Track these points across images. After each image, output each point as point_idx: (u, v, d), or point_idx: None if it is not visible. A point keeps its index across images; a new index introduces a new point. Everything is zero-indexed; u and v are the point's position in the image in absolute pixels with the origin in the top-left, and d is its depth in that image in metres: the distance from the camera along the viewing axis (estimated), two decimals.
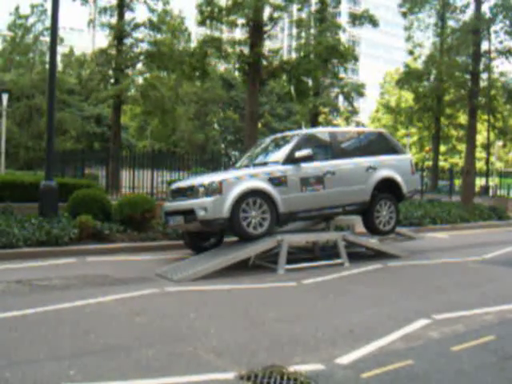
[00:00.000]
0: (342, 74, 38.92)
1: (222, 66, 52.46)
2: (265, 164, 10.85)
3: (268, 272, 9.66)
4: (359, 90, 40.64)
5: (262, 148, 12.23)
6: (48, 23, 49.18)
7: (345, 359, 4.95)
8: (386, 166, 11.75)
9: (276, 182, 10.18)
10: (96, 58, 31.87)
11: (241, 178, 9.97)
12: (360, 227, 12.15)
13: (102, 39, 32.32)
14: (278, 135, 12.60)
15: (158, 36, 31.00)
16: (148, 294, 7.67)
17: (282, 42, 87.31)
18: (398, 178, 11.82)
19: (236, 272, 9.35)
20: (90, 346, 5.28)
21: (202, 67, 24.01)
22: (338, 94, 42.36)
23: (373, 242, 11.74)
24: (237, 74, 39.37)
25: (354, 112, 44.08)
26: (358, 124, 50.97)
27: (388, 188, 11.78)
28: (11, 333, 5.71)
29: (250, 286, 8.40)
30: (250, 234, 9.87)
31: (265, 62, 23.85)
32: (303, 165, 10.56)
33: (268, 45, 26.17)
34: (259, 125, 28.44)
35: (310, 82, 31.73)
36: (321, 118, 41.68)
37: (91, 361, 4.84)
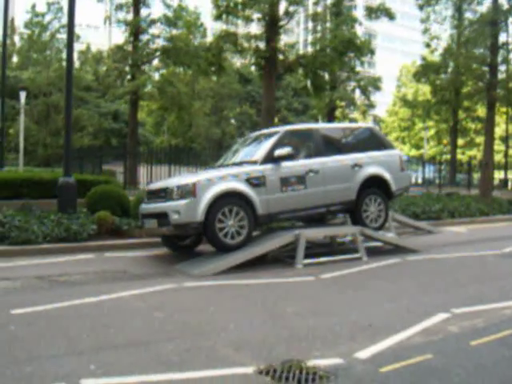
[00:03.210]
0: (358, 68, 38.79)
1: (237, 61, 52.49)
2: (243, 163, 10.37)
3: (286, 266, 9.66)
4: (376, 83, 40.49)
5: (243, 146, 11.75)
6: (64, 20, 49.39)
7: (364, 353, 4.94)
8: (374, 163, 11.29)
9: (254, 182, 9.76)
10: (112, 55, 32.00)
11: (217, 179, 9.56)
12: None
13: (118, 36, 32.45)
14: (261, 132, 12.01)
15: (174, 31, 30.99)
16: (167, 289, 7.71)
17: (297, 37, 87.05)
18: (387, 176, 11.36)
19: (254, 267, 9.36)
20: (110, 341, 5.32)
21: (218, 62, 24.03)
22: (354, 87, 42.23)
23: (391, 236, 11.72)
24: (253, 68, 39.37)
25: (371, 106, 43.86)
26: (374, 118, 50.73)
27: (376, 186, 11.34)
28: (32, 328, 5.77)
29: (269, 281, 8.41)
30: (226, 244, 9.47)
31: (281, 57, 23.81)
32: (284, 163, 10.14)
33: (284, 39, 26.12)
34: (275, 119, 28.41)
35: (327, 76, 31.65)
36: (337, 112, 41.61)
37: (111, 355, 4.88)
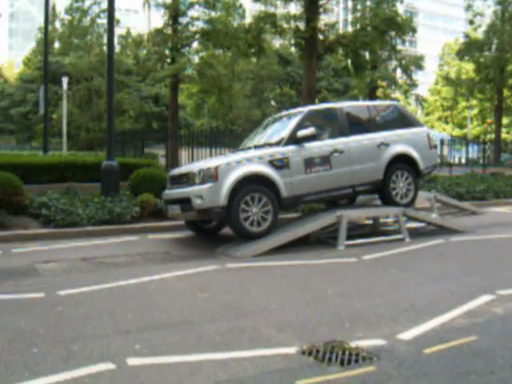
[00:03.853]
0: (399, 47, 38.17)
1: (277, 42, 52.19)
2: (266, 145, 10.25)
3: (328, 248, 9.65)
4: (418, 62, 39.86)
5: (266, 128, 11.57)
6: (104, 5, 49.74)
7: (407, 335, 4.92)
8: (400, 141, 10.97)
9: (277, 164, 9.59)
10: (152, 38, 32.09)
11: (239, 162, 9.43)
12: (420, 202, 11.97)
13: (158, 19, 32.50)
14: (284, 113, 11.80)
15: (213, 14, 30.95)
16: (210, 271, 7.79)
17: (337, 16, 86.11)
18: (414, 154, 11.02)
19: (296, 248, 9.36)
20: (155, 321, 5.40)
21: (257, 44, 23.97)
22: (395, 66, 41.65)
23: (434, 216, 11.59)
24: (293, 49, 39.12)
25: (413, 85, 43.22)
26: (416, 97, 49.92)
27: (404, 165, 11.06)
28: (78, 308, 5.89)
29: (311, 262, 8.41)
30: (251, 232, 9.34)
31: (321, 37, 23.64)
32: (307, 144, 9.94)
33: (324, 19, 25.85)
34: (316, 100, 28.25)
35: (367, 56, 31.26)
36: (379, 92, 41.11)
37: (156, 335, 4.96)
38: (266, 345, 4.70)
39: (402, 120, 11.44)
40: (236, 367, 4.20)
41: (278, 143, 10.02)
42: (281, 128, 10.63)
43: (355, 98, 53.47)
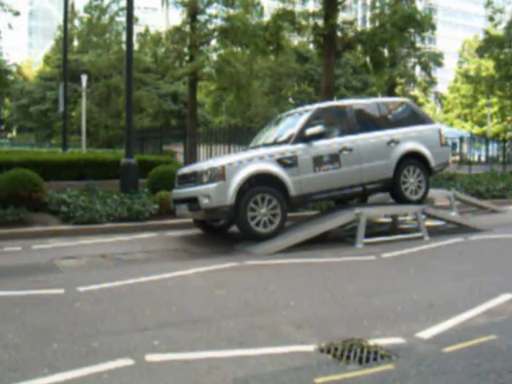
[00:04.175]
0: (418, 44, 37.95)
1: (295, 39, 52.08)
2: (274, 144, 10.18)
3: (346, 246, 9.62)
4: (437, 59, 39.62)
5: (275, 126, 11.44)
6: (123, 3, 49.99)
7: (426, 333, 4.89)
8: (411, 139, 10.80)
9: (285, 162, 9.47)
10: (171, 36, 32.19)
11: (247, 161, 9.32)
12: (440, 200, 11.90)
13: (176, 17, 32.61)
14: (291, 111, 11.65)
15: (231, 11, 30.99)
16: (228, 268, 7.80)
17: (356, 13, 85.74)
18: (425, 151, 10.80)
19: (314, 246, 9.34)
20: (173, 318, 5.43)
21: (275, 41, 23.94)
22: (414, 64, 41.44)
23: (453, 215, 11.52)
24: (311, 46, 39.04)
25: (432, 82, 42.96)
26: (436, 94, 49.60)
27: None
28: (97, 304, 5.93)
29: (329, 260, 8.40)
30: (257, 232, 9.21)
31: (339, 34, 23.55)
32: (316, 143, 9.81)
33: (342, 16, 25.77)
34: (334, 98, 28.18)
35: (386, 53, 31.10)
36: (397, 90, 40.90)
37: (174, 332, 4.98)
38: (284, 342, 4.70)
39: (413, 117, 11.28)
40: (254, 364, 4.21)
41: (286, 141, 9.93)
42: (289, 126, 10.52)
43: (374, 95, 53.29)
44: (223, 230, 10.97)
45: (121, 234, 10.63)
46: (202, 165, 9.98)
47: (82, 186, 13.16)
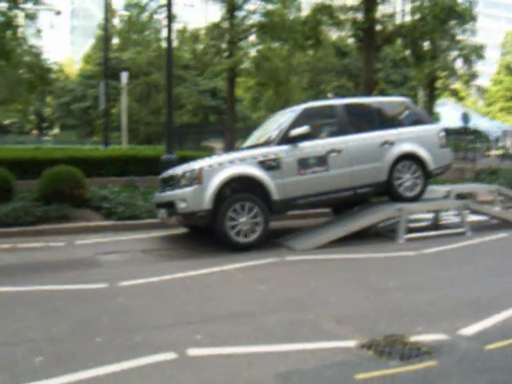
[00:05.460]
0: (459, 36, 37.33)
1: (334, 34, 51.78)
2: (258, 145, 9.78)
3: (387, 241, 9.55)
4: (479, 51, 38.87)
5: (263, 126, 11.14)
6: (162, 1, 50.32)
7: (468, 330, 4.82)
8: (407, 140, 10.26)
9: (267, 165, 9.05)
10: (209, 33, 32.30)
11: (226, 163, 8.96)
12: (482, 195, 11.71)
13: (215, 13, 32.71)
14: (280, 111, 11.18)
15: (270, 6, 30.91)
16: (269, 263, 7.82)
17: (395, 6, 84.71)
18: (422, 153, 10.26)
19: (355, 241, 9.28)
20: (215, 312, 5.47)
21: (314, 36, 23.89)
22: (456, 57, 40.71)
23: (497, 210, 11.32)
24: (350, 41, 38.74)
25: (474, 75, 42.15)
26: (478, 88, 48.76)
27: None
28: (139, 299, 6.02)
29: (370, 255, 8.35)
30: (236, 242, 8.79)
31: (379, 28, 23.34)
32: (301, 144, 9.38)
33: (382, 9, 25.53)
34: (374, 92, 27.96)
35: (427, 46, 30.71)
36: (438, 83, 40.34)
37: (216, 326, 5.02)
38: (325, 337, 4.69)
39: (411, 117, 10.82)
40: (296, 359, 4.21)
41: (269, 143, 9.56)
42: (275, 126, 10.12)
43: (414, 89, 52.64)
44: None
45: (161, 230, 10.72)
46: (181, 168, 9.62)
47: (123, 182, 13.34)
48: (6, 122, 65.12)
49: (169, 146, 13.14)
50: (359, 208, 10.82)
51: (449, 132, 19.73)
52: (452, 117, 38.34)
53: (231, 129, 22.94)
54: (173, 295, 6.16)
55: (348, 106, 10.32)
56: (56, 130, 74.33)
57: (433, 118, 42.82)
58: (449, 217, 11.81)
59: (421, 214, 11.32)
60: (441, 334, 4.73)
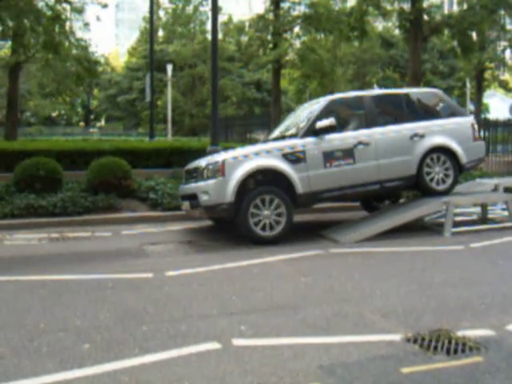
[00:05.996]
0: (509, 26, 36.53)
1: (380, 25, 51.20)
2: (282, 138, 9.64)
3: (434, 235, 9.43)
4: None
5: (288, 119, 10.98)
6: None
7: None
8: (439, 132, 9.89)
9: (292, 158, 8.86)
10: (254, 24, 32.29)
11: (249, 156, 8.81)
12: None
13: (259, 5, 32.71)
14: (308, 102, 10.82)
15: None
16: (313, 255, 7.82)
17: None
18: (454, 146, 9.89)
19: (401, 234, 9.19)
20: (259, 304, 5.49)
21: (360, 26, 23.69)
22: (505, 47, 39.88)
23: None
24: (397, 32, 38.29)
25: None
26: None
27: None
28: (185, 289, 6.08)
29: (416, 249, 8.25)
30: (259, 235, 8.65)
31: (426, 18, 22.99)
32: (327, 136, 9.13)
33: None
34: (421, 84, 27.57)
35: (475, 37, 30.12)
36: (487, 74, 39.57)
37: (260, 318, 5.04)
38: (369, 331, 4.68)
39: (443, 109, 10.46)
40: (340, 352, 4.21)
41: (295, 135, 9.39)
42: (301, 119, 9.91)
43: (461, 80, 51.76)
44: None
45: (207, 221, 10.79)
46: (205, 160, 9.50)
47: (168, 174, 13.45)
48: (54, 114, 66.41)
49: (214, 137, 13.18)
50: (405, 201, 10.69)
51: (497, 124, 19.33)
52: (500, 109, 37.60)
53: (277, 121, 22.87)
54: (218, 285, 6.21)
55: (376, 98, 10.12)
56: (102, 122, 75.49)
57: (482, 109, 42.04)
58: (496, 210, 11.59)
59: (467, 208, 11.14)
60: (488, 330, 4.66)
